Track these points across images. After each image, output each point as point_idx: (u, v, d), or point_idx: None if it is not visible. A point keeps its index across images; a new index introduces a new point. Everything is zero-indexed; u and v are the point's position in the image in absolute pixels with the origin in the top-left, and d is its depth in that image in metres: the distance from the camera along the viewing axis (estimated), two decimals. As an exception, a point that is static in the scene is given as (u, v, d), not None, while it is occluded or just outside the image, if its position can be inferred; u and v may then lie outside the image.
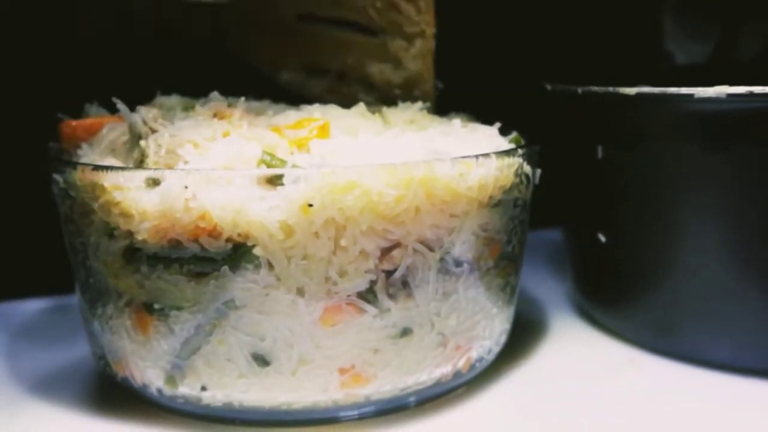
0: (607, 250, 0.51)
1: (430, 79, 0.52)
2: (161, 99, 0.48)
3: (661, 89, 0.45)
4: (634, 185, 0.49)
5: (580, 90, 0.49)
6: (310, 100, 0.50)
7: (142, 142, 0.41)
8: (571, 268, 0.58)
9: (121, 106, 0.42)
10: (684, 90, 0.43)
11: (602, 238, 0.51)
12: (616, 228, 0.51)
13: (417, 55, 0.50)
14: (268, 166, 0.39)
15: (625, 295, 0.51)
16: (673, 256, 0.47)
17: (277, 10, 0.52)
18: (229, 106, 0.45)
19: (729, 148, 0.44)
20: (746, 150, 0.43)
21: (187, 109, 0.46)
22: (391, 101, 0.51)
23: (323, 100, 0.50)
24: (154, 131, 0.41)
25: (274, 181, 0.37)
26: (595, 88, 0.48)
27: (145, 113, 0.42)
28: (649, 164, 0.47)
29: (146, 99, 0.48)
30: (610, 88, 0.47)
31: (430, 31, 0.50)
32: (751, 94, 0.42)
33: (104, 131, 0.44)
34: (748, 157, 0.44)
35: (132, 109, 0.43)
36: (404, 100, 0.52)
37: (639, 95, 0.45)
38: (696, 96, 0.43)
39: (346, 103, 0.48)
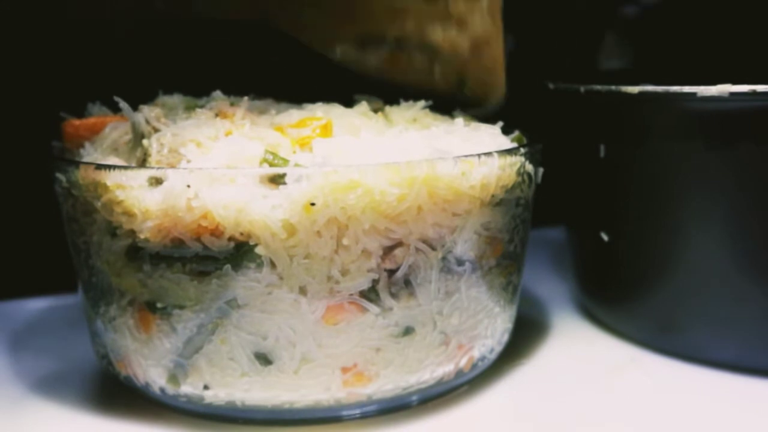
0: (609, 249, 0.51)
1: (500, 40, 0.47)
2: (163, 98, 0.48)
3: (664, 87, 0.44)
4: (637, 184, 0.49)
5: (582, 88, 0.49)
6: (365, 78, 0.47)
7: (145, 141, 0.41)
8: (573, 267, 0.58)
9: (123, 105, 0.43)
10: (687, 88, 0.43)
11: (605, 237, 0.51)
12: (618, 227, 0.51)
13: (483, 14, 0.45)
14: (271, 165, 0.39)
15: (628, 294, 0.51)
16: (676, 254, 0.47)
17: None
18: (232, 105, 0.45)
19: (732, 146, 0.44)
20: (749, 148, 0.43)
21: (190, 108, 0.46)
22: (457, 72, 0.47)
23: (381, 74, 0.47)
24: (156, 130, 0.41)
25: (277, 180, 0.37)
26: (598, 87, 0.48)
27: (148, 112, 0.42)
28: (652, 163, 0.47)
29: (148, 98, 0.48)
30: (613, 87, 0.47)
31: None
32: (754, 93, 0.42)
33: (107, 130, 0.44)
34: (751, 156, 0.44)
35: (134, 108, 0.43)
36: (472, 66, 0.47)
37: (642, 93, 0.45)
38: (699, 94, 0.43)
39: (406, 76, 0.45)
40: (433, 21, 0.46)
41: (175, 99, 0.48)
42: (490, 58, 0.46)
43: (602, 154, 0.49)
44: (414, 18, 0.47)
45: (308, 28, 0.51)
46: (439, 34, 0.47)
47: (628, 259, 0.51)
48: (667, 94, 0.44)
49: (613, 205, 0.51)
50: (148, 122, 0.42)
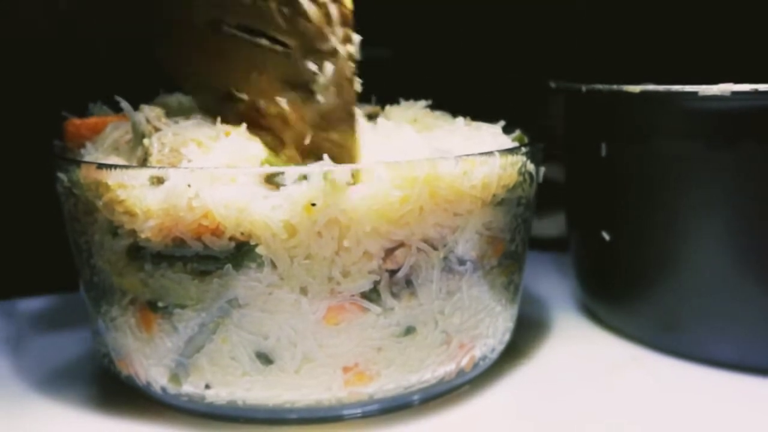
0: (611, 248, 0.51)
1: (350, 129, 0.39)
2: (163, 98, 0.48)
3: (666, 87, 0.44)
4: (638, 183, 0.49)
5: (584, 88, 0.49)
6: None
7: (146, 141, 0.41)
8: (575, 266, 0.58)
9: (124, 104, 0.42)
10: (688, 87, 0.43)
11: (606, 236, 0.51)
12: (620, 226, 0.51)
13: (328, 84, 0.38)
14: (272, 165, 0.39)
15: (629, 293, 0.51)
16: (678, 253, 0.47)
17: (190, 14, 0.42)
18: None
19: (733, 145, 0.44)
20: (751, 147, 0.43)
21: (189, 109, 0.46)
22: (312, 149, 0.41)
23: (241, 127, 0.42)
24: (157, 130, 0.41)
25: (276, 181, 0.37)
26: (599, 86, 0.48)
27: (149, 112, 0.42)
28: (654, 162, 0.47)
29: (149, 97, 0.48)
30: (614, 86, 0.47)
31: (347, 51, 0.38)
32: (756, 92, 0.41)
33: (108, 130, 0.44)
34: (752, 155, 0.43)
35: (135, 107, 0.43)
36: (318, 149, 0.40)
37: (643, 93, 0.45)
38: (700, 93, 0.43)
39: (268, 136, 0.41)
40: (284, 81, 0.40)
41: (174, 98, 0.48)
42: (341, 141, 0.40)
43: (603, 153, 0.49)
44: (269, 75, 0.41)
45: (177, 67, 0.46)
46: (287, 100, 0.41)
47: (630, 258, 0.51)
48: (668, 93, 0.44)
49: (614, 204, 0.51)
50: (148, 122, 0.42)
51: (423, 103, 0.49)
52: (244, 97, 0.42)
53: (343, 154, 0.40)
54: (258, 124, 0.42)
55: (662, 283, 0.49)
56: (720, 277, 0.46)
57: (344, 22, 0.37)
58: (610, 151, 0.49)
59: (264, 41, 0.40)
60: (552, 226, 0.66)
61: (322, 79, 0.38)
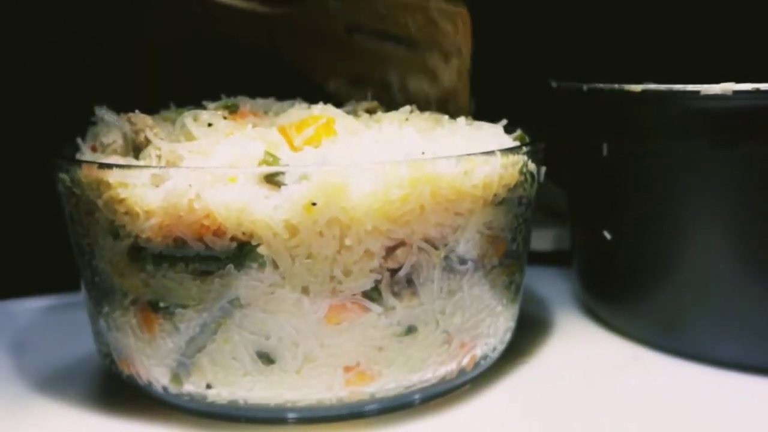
0: (612, 248, 0.51)
1: (466, 96, 0.53)
2: (164, 113, 0.48)
3: (667, 86, 0.44)
4: (640, 182, 0.49)
5: (585, 87, 0.49)
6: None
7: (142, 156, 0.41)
8: (576, 266, 0.58)
9: (108, 115, 0.43)
10: (690, 87, 0.43)
11: (608, 236, 0.51)
12: (621, 225, 0.51)
13: (452, 72, 0.52)
14: (269, 166, 0.39)
15: (631, 293, 0.51)
16: (679, 253, 0.47)
17: (328, 22, 0.56)
18: (230, 106, 0.45)
19: (735, 145, 0.44)
20: (753, 147, 0.43)
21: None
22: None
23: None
24: (148, 141, 0.41)
25: (276, 181, 0.37)
26: (601, 85, 0.48)
27: (142, 122, 0.42)
28: (655, 161, 0.47)
29: (150, 98, 0.48)
30: (616, 85, 0.47)
31: (467, 49, 0.51)
32: (758, 91, 0.41)
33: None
34: (754, 154, 0.43)
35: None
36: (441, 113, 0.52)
37: (645, 92, 0.45)
38: (702, 93, 0.43)
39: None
40: (411, 70, 0.54)
41: (172, 112, 0.48)
42: (455, 109, 0.52)
43: (605, 152, 0.49)
44: (396, 66, 0.55)
45: (310, 62, 0.59)
46: (415, 83, 0.54)
47: (631, 257, 0.51)
48: (670, 92, 0.44)
49: (615, 204, 0.51)
50: (138, 132, 0.42)
51: (413, 107, 0.49)
52: (375, 80, 0.56)
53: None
54: (382, 104, 0.53)
55: (664, 282, 0.49)
56: (722, 277, 0.46)
57: (465, 30, 0.51)
58: (612, 150, 0.49)
59: (390, 43, 0.54)
60: (547, 240, 0.66)
61: (448, 68, 0.52)
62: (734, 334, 0.46)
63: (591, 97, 0.49)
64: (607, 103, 0.49)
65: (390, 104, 0.52)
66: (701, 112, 0.44)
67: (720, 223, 0.45)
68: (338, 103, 0.49)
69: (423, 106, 0.52)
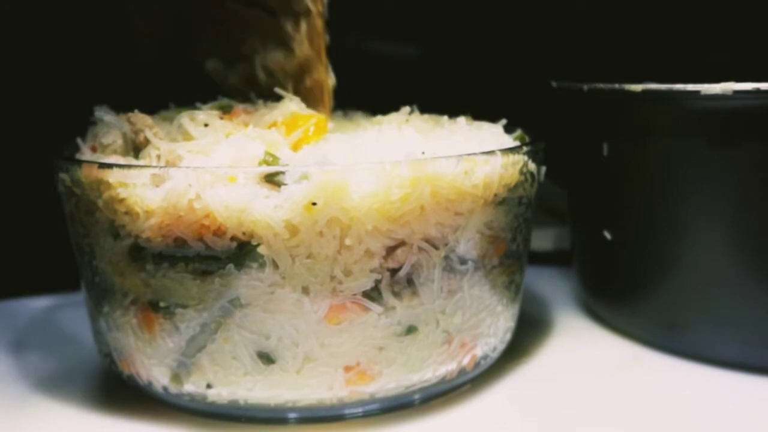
0: (613, 248, 0.51)
1: (322, 67, 0.47)
2: (168, 112, 0.48)
3: (668, 86, 0.44)
4: (640, 182, 0.49)
5: (585, 87, 0.49)
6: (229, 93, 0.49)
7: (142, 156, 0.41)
8: (576, 266, 0.58)
9: (109, 116, 0.42)
10: (690, 87, 0.43)
11: (608, 236, 0.51)
12: (622, 225, 0.51)
13: (303, 38, 0.47)
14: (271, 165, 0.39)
15: (631, 293, 0.51)
16: (679, 253, 0.47)
17: None
18: (224, 107, 0.45)
19: (736, 145, 0.44)
20: (753, 147, 0.43)
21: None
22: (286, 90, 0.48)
23: (240, 90, 0.49)
24: (147, 141, 0.41)
25: (276, 181, 0.37)
26: (601, 85, 0.48)
27: (142, 122, 0.42)
28: (655, 161, 0.47)
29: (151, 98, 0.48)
30: (616, 85, 0.47)
31: (317, 8, 0.46)
32: (758, 91, 0.41)
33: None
34: (754, 154, 0.43)
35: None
36: (297, 91, 0.48)
37: (645, 92, 0.45)
38: (702, 93, 0.43)
39: (264, 93, 0.47)
40: (271, 41, 0.49)
41: (172, 112, 0.48)
42: (313, 81, 0.48)
43: (605, 152, 0.49)
44: (260, 37, 0.50)
45: (201, 51, 0.54)
46: (273, 56, 0.49)
47: (632, 257, 0.51)
48: (670, 92, 0.44)
49: (616, 203, 0.51)
50: (138, 131, 0.42)
51: (408, 108, 0.49)
52: (243, 57, 0.51)
53: (316, 101, 0.47)
54: (255, 81, 0.49)
55: (664, 282, 0.49)
56: (722, 277, 0.46)
57: None
58: (612, 150, 0.49)
59: (257, 10, 0.48)
60: (547, 240, 0.66)
61: (299, 34, 0.47)
62: (734, 333, 0.46)
63: (591, 97, 0.49)
64: (607, 103, 0.49)
65: (263, 84, 0.50)
66: (702, 112, 0.44)
67: (720, 223, 0.45)
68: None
69: (281, 82, 0.49)
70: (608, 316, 0.54)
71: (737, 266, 0.45)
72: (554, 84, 0.53)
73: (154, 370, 0.42)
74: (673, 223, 0.47)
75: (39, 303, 0.61)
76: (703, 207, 0.46)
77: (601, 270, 0.55)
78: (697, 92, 0.43)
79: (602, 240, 0.51)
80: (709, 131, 0.44)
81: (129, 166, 0.39)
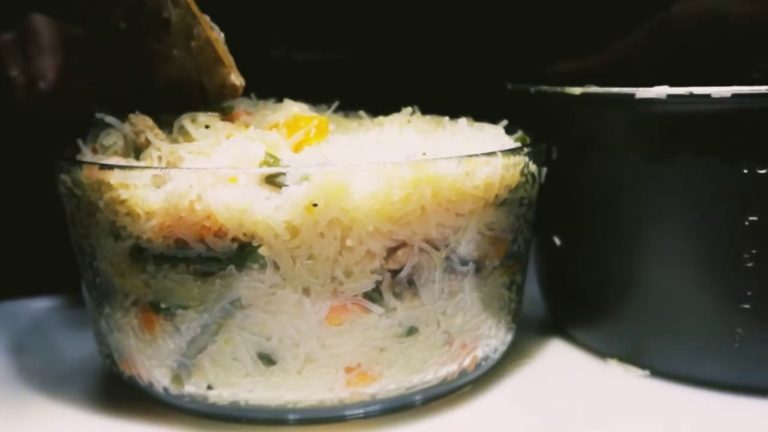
0: (562, 254, 0.50)
1: (202, 24, 0.43)
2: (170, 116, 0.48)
3: (605, 89, 0.43)
4: (585, 189, 0.47)
5: (532, 89, 0.47)
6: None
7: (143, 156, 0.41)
8: (536, 272, 0.55)
9: (110, 118, 0.42)
10: (626, 90, 0.42)
11: (557, 241, 0.49)
12: (570, 231, 0.49)
13: (178, 33, 0.43)
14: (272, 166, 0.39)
15: (581, 301, 0.49)
16: (628, 262, 0.45)
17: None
18: (227, 107, 0.45)
19: (673, 152, 0.42)
20: (689, 155, 0.41)
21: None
22: (194, 69, 0.45)
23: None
24: (148, 142, 0.41)
25: (277, 182, 0.37)
26: (545, 87, 0.46)
27: (143, 123, 0.42)
28: (600, 166, 0.46)
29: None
30: (557, 88, 0.45)
31: (208, 33, 0.42)
32: (691, 95, 0.39)
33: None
34: (691, 163, 0.41)
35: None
36: (199, 62, 0.44)
37: (584, 95, 0.44)
38: (637, 96, 0.41)
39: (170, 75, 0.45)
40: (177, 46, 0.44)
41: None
42: (198, 40, 0.43)
43: (554, 156, 0.48)
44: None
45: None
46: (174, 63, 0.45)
47: (581, 265, 0.49)
48: (607, 95, 0.43)
49: (565, 209, 0.49)
50: (139, 133, 0.42)
51: (409, 109, 0.48)
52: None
53: (216, 71, 0.44)
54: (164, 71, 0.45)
55: (614, 291, 0.47)
56: (669, 290, 0.44)
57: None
58: (560, 154, 0.48)
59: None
60: None
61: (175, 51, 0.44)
62: (686, 348, 0.44)
63: (538, 100, 0.48)
64: (553, 105, 0.48)
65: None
66: (638, 117, 0.43)
67: (665, 232, 0.43)
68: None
69: (182, 58, 0.44)
70: (560, 321, 0.53)
71: (684, 279, 0.43)
72: (509, 86, 0.51)
73: (154, 371, 0.42)
74: (620, 230, 0.45)
75: (40, 304, 0.61)
76: (648, 215, 0.44)
77: (551, 276, 0.53)
78: (632, 95, 0.41)
79: (553, 245, 0.50)
80: (645, 137, 0.43)
81: (130, 167, 0.39)
